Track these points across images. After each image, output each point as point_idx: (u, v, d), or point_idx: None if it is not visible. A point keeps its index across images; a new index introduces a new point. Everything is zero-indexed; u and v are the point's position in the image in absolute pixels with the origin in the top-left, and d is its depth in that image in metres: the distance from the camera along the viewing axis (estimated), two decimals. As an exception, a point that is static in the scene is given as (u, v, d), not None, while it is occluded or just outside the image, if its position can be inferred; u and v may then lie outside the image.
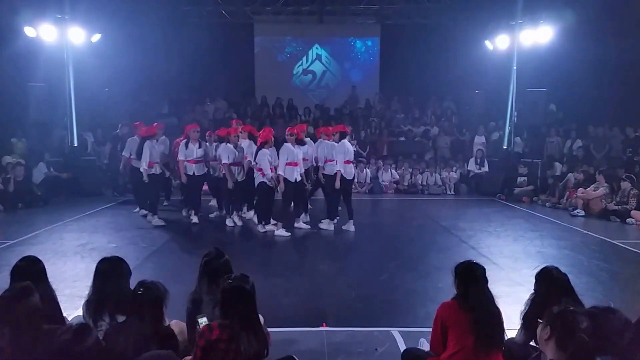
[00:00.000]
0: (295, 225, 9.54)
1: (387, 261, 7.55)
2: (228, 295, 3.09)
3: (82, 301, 3.72)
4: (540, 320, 2.90)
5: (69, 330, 2.78)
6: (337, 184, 9.21)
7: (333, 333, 4.94)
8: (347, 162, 9.33)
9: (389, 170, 14.60)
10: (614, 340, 2.67)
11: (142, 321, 3.14)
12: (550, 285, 3.57)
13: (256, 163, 9.16)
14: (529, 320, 3.49)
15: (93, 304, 3.60)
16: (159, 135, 10.16)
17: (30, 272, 3.56)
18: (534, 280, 3.75)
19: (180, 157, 9.76)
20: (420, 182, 14.50)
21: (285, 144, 9.12)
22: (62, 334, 2.75)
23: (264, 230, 9.28)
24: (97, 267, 3.72)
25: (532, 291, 3.72)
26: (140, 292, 3.22)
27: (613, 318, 2.73)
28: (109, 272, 3.66)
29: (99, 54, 13.65)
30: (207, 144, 10.13)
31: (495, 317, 3.35)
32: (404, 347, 4.31)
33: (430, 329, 3.57)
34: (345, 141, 9.46)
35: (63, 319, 3.78)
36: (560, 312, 2.83)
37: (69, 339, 2.69)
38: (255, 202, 10.07)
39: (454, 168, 14.78)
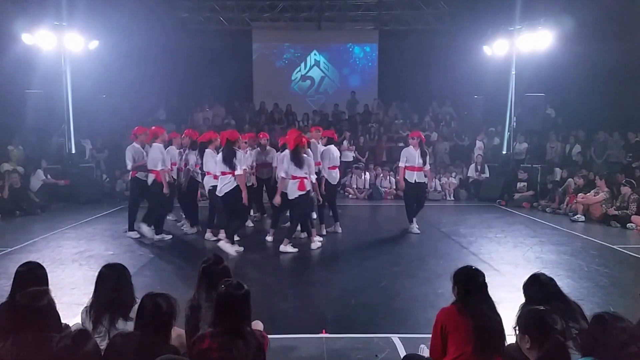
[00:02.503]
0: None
1: (386, 267, 7.53)
2: (219, 302, 3.05)
3: (81, 309, 3.68)
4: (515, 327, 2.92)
5: (68, 336, 2.74)
6: (322, 189, 9.31)
7: (333, 340, 4.90)
8: (332, 167, 9.49)
9: (388, 177, 14.56)
10: (615, 349, 2.64)
11: (146, 337, 2.98)
12: (538, 292, 3.56)
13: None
14: None
15: (93, 310, 3.57)
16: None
17: (33, 277, 3.56)
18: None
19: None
20: (419, 187, 14.43)
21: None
22: (61, 339, 2.71)
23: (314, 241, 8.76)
24: (99, 273, 3.69)
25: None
26: (147, 309, 3.04)
27: (619, 327, 2.69)
28: (112, 278, 3.63)
29: (97, 61, 13.63)
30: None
31: (495, 323, 3.33)
32: (404, 354, 4.28)
33: (431, 335, 3.55)
34: (331, 147, 9.61)
35: (61, 325, 3.74)
36: (531, 317, 2.86)
37: (68, 345, 2.65)
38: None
39: (454, 174, 14.75)
